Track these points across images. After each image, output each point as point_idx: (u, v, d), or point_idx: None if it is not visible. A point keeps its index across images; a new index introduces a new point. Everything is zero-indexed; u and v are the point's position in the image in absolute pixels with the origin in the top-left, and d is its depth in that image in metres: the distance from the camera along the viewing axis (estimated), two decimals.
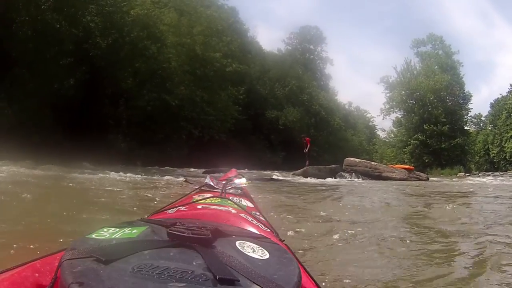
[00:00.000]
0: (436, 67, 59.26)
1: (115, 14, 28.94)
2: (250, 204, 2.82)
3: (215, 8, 44.01)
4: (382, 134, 75.70)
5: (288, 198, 9.70)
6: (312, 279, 1.41)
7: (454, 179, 27.72)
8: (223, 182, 3.35)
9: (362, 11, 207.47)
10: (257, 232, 1.72)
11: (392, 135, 65.36)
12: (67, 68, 25.87)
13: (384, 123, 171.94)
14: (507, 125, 72.21)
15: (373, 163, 27.48)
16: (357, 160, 26.65)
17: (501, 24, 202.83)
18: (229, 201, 2.43)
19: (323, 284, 2.94)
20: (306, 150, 27.73)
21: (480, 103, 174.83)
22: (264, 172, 26.66)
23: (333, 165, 26.10)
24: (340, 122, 69.30)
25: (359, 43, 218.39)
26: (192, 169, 25.13)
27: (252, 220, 2.06)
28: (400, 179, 23.67)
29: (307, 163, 26.23)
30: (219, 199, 2.46)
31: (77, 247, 1.07)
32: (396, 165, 31.33)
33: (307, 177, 21.52)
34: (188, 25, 37.32)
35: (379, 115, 65.99)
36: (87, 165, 17.28)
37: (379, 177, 23.93)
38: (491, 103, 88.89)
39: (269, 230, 2.07)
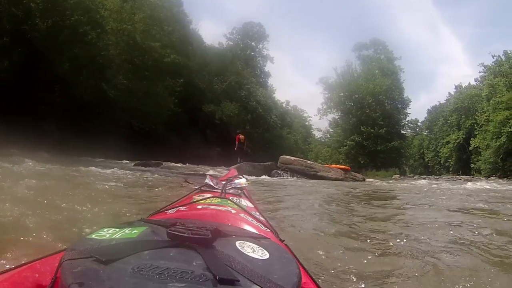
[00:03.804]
0: (377, 71, 60.13)
1: None
2: (250, 204, 2.81)
3: None
4: (318, 134, 76.67)
5: None
6: (312, 279, 1.37)
7: (391, 181, 27.74)
8: (223, 182, 3.32)
9: (308, 13, 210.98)
10: (257, 232, 1.71)
11: (328, 135, 66.07)
12: (2, 49, 24.95)
13: (321, 123, 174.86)
14: (443, 131, 74.38)
15: (308, 161, 27.33)
16: (292, 158, 26.28)
17: (445, 36, 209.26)
18: (229, 201, 2.44)
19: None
20: (236, 147, 27.30)
21: (418, 109, 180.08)
22: (198, 167, 26.13)
23: (268, 163, 25.71)
24: (277, 120, 69.24)
25: (302, 44, 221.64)
26: (125, 161, 24.84)
27: (252, 220, 2.05)
28: (336, 179, 23.56)
29: (239, 160, 25.85)
30: (219, 199, 2.46)
31: (77, 247, 1.07)
32: (332, 165, 31.14)
33: (240, 174, 20.81)
34: (130, 12, 36.51)
35: (316, 115, 66.78)
36: (16, 152, 16.34)
37: (315, 176, 23.67)
38: (428, 109, 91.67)
39: (269, 230, 2.06)
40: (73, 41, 29.23)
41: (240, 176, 3.89)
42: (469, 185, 21.50)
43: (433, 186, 19.95)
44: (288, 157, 26.36)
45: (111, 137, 32.45)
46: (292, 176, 23.95)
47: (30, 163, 12.29)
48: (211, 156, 45.31)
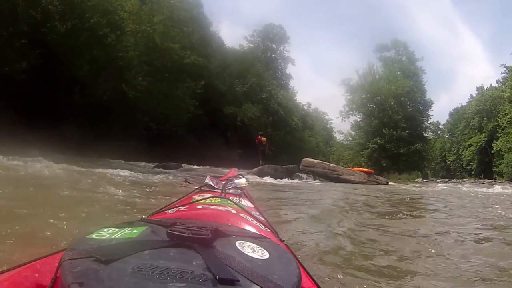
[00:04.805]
0: (398, 72, 59.86)
1: None
2: (250, 204, 2.82)
3: None
4: (339, 137, 76.29)
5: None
6: (312, 279, 1.38)
7: (415, 185, 27.21)
8: (223, 182, 3.33)
9: (327, 14, 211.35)
10: (257, 232, 1.70)
11: (350, 138, 65.66)
12: (20, 50, 24.82)
13: (343, 125, 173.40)
14: (465, 134, 73.66)
15: (331, 164, 27.07)
16: (315, 161, 25.98)
17: (465, 36, 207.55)
18: (229, 201, 2.44)
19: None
20: (257, 141, 26.98)
21: (438, 111, 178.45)
22: (220, 169, 25.86)
23: (290, 165, 25.37)
24: (298, 122, 68.98)
25: (323, 45, 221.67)
26: (144, 163, 24.73)
27: (252, 220, 2.06)
28: (359, 182, 23.21)
29: (260, 162, 25.51)
30: (219, 199, 2.47)
31: (77, 247, 1.08)
32: (355, 168, 30.75)
33: (263, 177, 20.56)
34: (149, 13, 36.41)
35: (338, 117, 66.54)
36: (35, 153, 16.17)
37: (338, 179, 23.38)
38: (450, 111, 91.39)
39: (269, 230, 2.06)
40: (92, 43, 29.06)
41: (240, 176, 3.88)
42: (499, 189, 20.82)
43: (465, 189, 19.33)
44: (310, 159, 26.05)
45: (131, 139, 32.46)
46: (315, 179, 23.63)
47: (53, 166, 12.07)
48: (232, 158, 45.14)
